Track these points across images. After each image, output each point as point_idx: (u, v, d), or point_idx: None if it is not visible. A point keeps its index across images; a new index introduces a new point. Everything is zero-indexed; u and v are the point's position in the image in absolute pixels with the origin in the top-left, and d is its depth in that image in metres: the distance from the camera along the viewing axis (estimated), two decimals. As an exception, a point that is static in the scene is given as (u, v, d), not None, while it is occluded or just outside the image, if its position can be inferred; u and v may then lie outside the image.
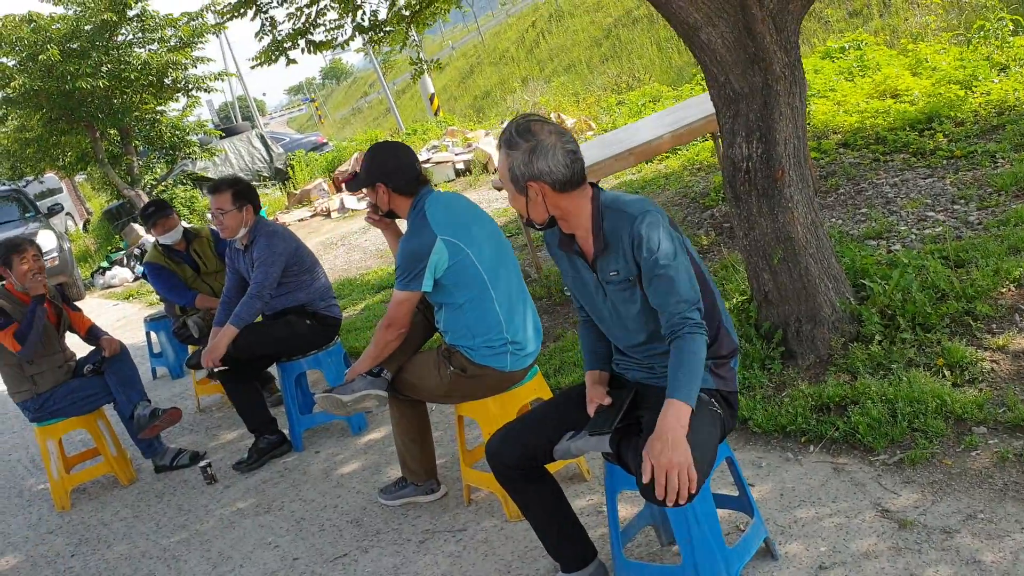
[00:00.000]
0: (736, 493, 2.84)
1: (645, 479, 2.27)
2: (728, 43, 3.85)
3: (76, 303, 5.19)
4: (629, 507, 3.23)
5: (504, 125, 2.55)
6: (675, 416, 2.29)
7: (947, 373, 3.51)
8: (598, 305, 2.66)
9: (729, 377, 2.57)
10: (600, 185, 2.67)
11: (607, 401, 2.65)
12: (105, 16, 13.24)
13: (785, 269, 3.97)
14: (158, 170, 16.92)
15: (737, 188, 4.04)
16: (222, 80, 15.84)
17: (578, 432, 2.65)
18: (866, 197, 6.03)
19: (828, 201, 6.19)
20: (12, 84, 13.00)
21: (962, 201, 5.41)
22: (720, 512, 3.02)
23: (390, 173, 3.46)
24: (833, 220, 5.78)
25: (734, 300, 4.56)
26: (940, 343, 3.70)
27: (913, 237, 5.06)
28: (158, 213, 5.49)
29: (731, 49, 3.86)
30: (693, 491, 2.26)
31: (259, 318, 4.68)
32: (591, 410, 2.66)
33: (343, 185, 3.67)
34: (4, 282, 4.75)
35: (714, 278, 5.20)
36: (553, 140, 2.45)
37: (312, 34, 6.73)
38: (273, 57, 6.69)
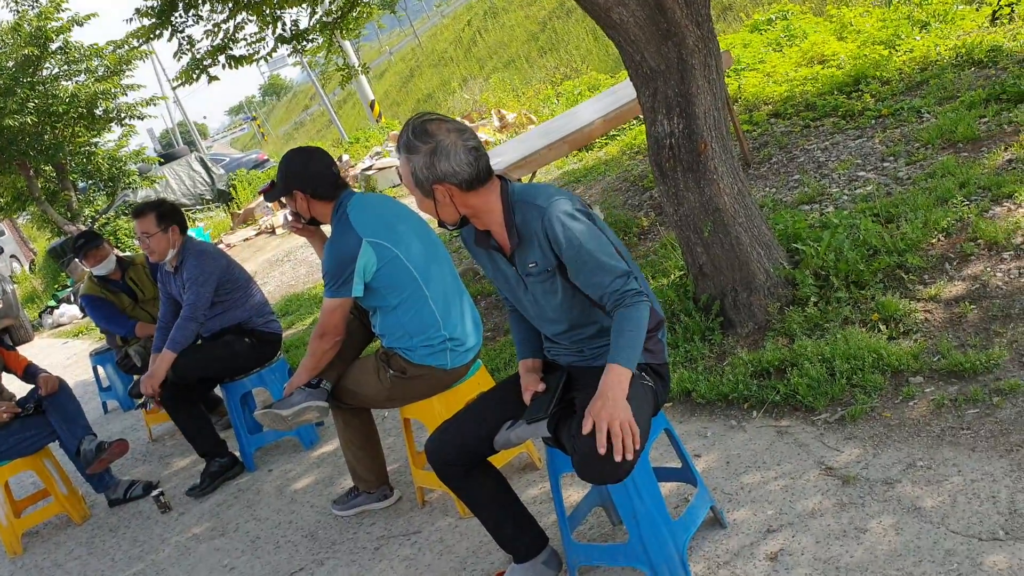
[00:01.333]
0: (679, 465, 2.84)
1: (585, 430, 2.27)
2: (640, 21, 3.85)
3: (22, 345, 5.07)
4: (579, 490, 3.23)
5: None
6: (616, 378, 2.30)
7: (882, 327, 3.55)
8: (520, 297, 2.64)
9: (657, 350, 2.57)
10: (540, 180, 2.65)
11: (541, 387, 2.64)
12: (27, 51, 12.96)
13: (716, 241, 3.99)
14: (99, 203, 16.62)
15: (663, 165, 4.05)
16: (154, 105, 15.58)
17: (516, 421, 2.64)
18: (799, 164, 6.08)
19: (762, 171, 6.24)
20: (-65, 128, 12.67)
21: (891, 158, 5.48)
22: (666, 485, 3.04)
23: (306, 179, 3.42)
24: (767, 189, 5.83)
25: (673, 276, 4.58)
26: (874, 299, 3.74)
27: (845, 198, 5.11)
28: (88, 244, 5.38)
29: (643, 27, 3.86)
30: (637, 446, 2.26)
31: (197, 340, 4.60)
32: (527, 398, 2.65)
33: (262, 196, 3.64)
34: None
35: (655, 257, 5.24)
36: (453, 139, 2.39)
37: (232, 49, 6.64)
38: (194, 76, 6.59)
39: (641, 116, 7.06)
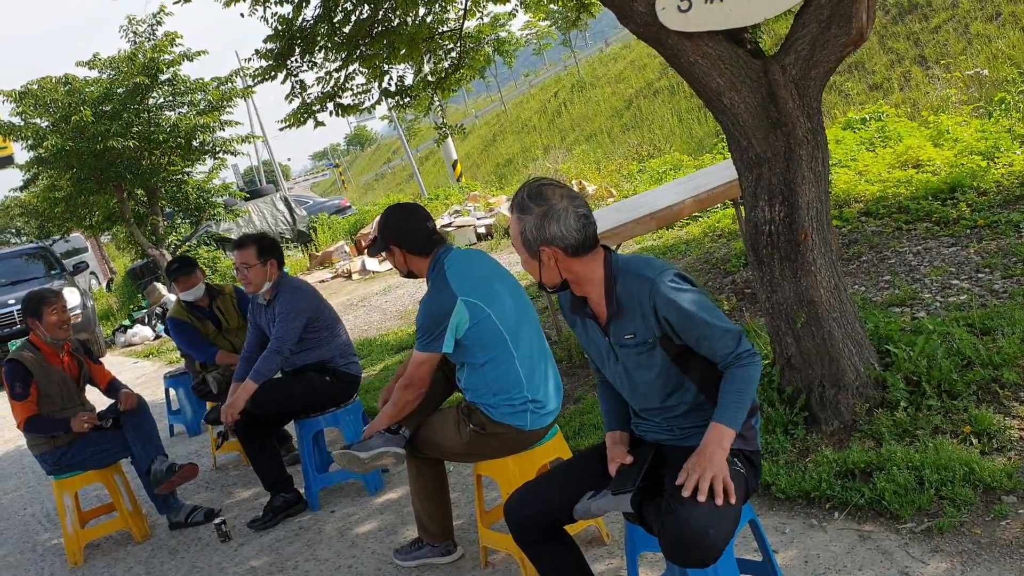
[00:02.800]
0: (760, 558, 2.77)
1: (679, 482, 2.30)
2: (751, 108, 3.88)
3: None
4: (651, 570, 3.16)
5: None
6: (717, 437, 2.32)
7: (974, 441, 3.45)
8: (610, 368, 2.64)
9: (751, 436, 2.54)
10: (618, 252, 2.67)
11: (628, 460, 2.62)
12: (138, 79, 13.59)
13: (808, 333, 3.94)
14: (183, 230, 17.15)
15: (760, 251, 4.03)
16: (249, 143, 16.14)
17: (598, 492, 2.61)
18: (889, 265, 6.00)
19: (851, 268, 6.17)
20: (44, 144, 13.28)
21: (986, 270, 5.38)
22: (744, 578, 2.96)
23: (402, 235, 3.50)
24: (856, 287, 5.76)
25: (756, 364, 4.51)
26: (967, 410, 3.64)
27: (937, 305, 5.02)
28: (181, 270, 5.55)
29: (753, 114, 3.89)
30: (732, 501, 2.26)
31: (279, 374, 4.67)
32: (612, 470, 2.63)
33: (366, 250, 3.76)
34: (30, 334, 4.79)
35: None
36: (565, 204, 2.44)
37: (340, 97, 6.87)
38: (302, 119, 6.82)
39: (728, 201, 7.10)
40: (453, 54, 7.98)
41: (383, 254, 3.62)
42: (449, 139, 23.82)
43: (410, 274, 3.59)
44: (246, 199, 20.68)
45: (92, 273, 24.10)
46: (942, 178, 7.35)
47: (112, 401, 4.91)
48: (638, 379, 2.57)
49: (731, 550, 2.44)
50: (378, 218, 3.64)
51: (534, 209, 2.45)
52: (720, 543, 2.24)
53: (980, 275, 5.34)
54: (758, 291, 4.14)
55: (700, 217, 9.31)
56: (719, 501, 2.25)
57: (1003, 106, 8.96)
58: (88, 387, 5.00)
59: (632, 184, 13.31)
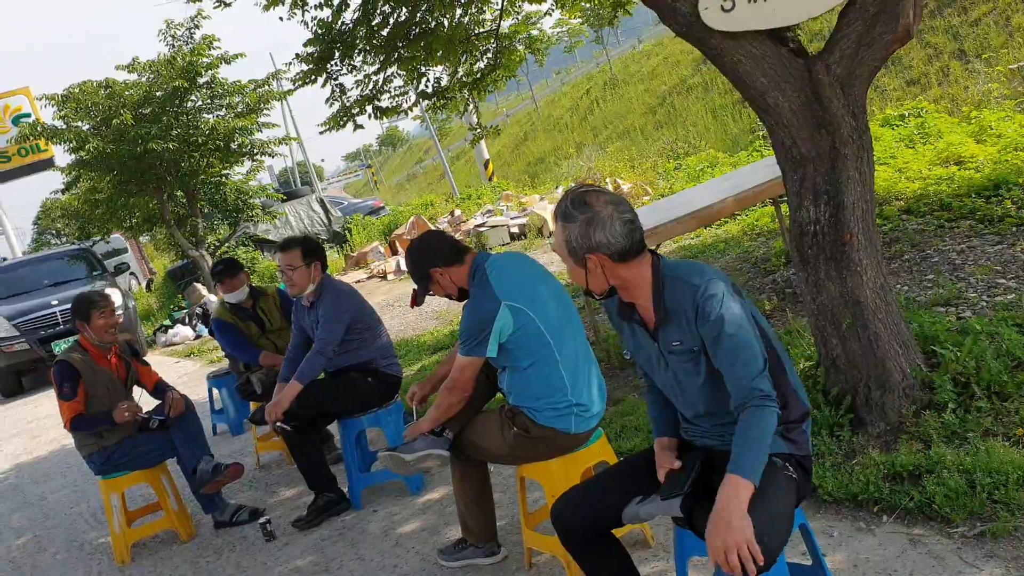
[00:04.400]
0: (809, 562, 2.75)
1: (711, 564, 2.20)
2: (795, 107, 3.85)
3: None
4: (699, 574, 3.15)
5: (559, 194, 2.57)
6: (734, 493, 2.22)
7: (1027, 443, 3.40)
8: (660, 374, 2.63)
9: (801, 441, 2.52)
10: (659, 252, 2.65)
11: (677, 465, 2.61)
12: (176, 83, 13.76)
13: (854, 334, 3.91)
14: (221, 231, 17.34)
15: (804, 251, 4.00)
16: (286, 144, 16.28)
17: (646, 497, 2.61)
18: (932, 264, 5.92)
19: (893, 267, 6.10)
20: (86, 147, 13.49)
21: (1034, 268, 5.29)
22: (793, 582, 2.93)
23: (432, 257, 3.54)
24: (899, 286, 5.69)
25: (800, 365, 4.48)
26: (1018, 412, 3.58)
27: (984, 304, 4.95)
28: (226, 272, 5.62)
29: (798, 113, 3.86)
30: (760, 563, 2.16)
31: (322, 375, 4.72)
32: (662, 476, 2.62)
33: (413, 305, 3.80)
34: (79, 335, 4.87)
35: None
36: (610, 211, 2.43)
37: (379, 100, 6.91)
38: (342, 122, 6.88)
39: (769, 199, 7.05)
40: (489, 55, 8.00)
41: (430, 288, 3.63)
42: (484, 139, 23.95)
43: (462, 292, 3.58)
44: (283, 200, 20.86)
45: (132, 274, 24.44)
46: (985, 175, 7.24)
47: (159, 402, 4.98)
48: (687, 386, 2.56)
49: (783, 557, 2.42)
50: (406, 265, 3.68)
51: (578, 217, 2.44)
52: (774, 550, 2.22)
53: (1027, 274, 5.25)
54: (803, 292, 4.11)
55: (739, 215, 9.25)
56: (749, 568, 2.15)
57: (1048, 101, 8.81)
58: (136, 388, 5.07)
59: (668, 182, 13.25)
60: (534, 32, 9.77)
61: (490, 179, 24.19)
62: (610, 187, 14.48)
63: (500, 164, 34.32)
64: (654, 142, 22.02)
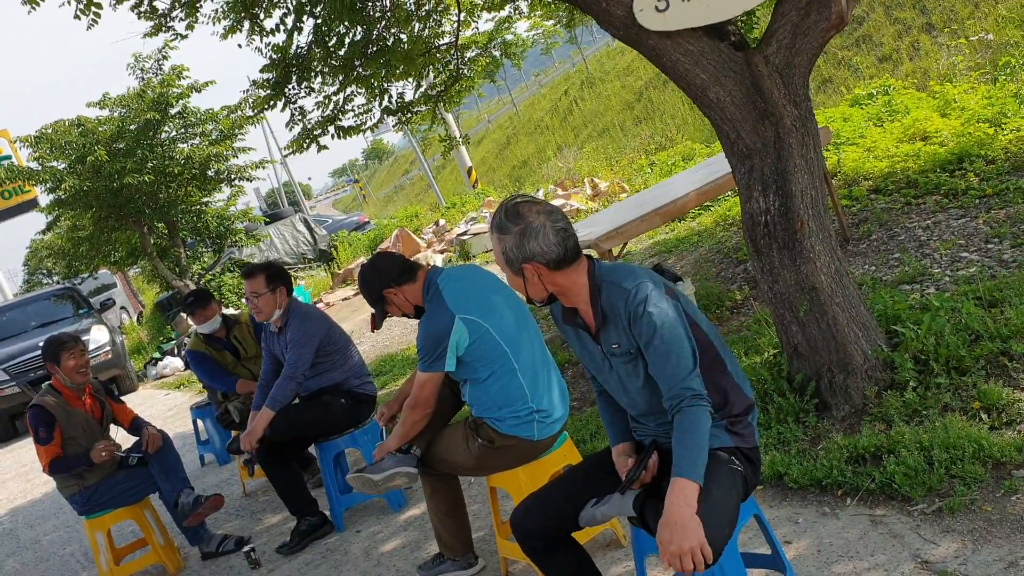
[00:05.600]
0: (768, 551, 2.79)
1: (664, 566, 2.24)
2: (736, 100, 3.90)
3: (127, 395, 5.31)
4: (663, 573, 3.18)
5: (541, 196, 2.60)
6: (681, 496, 2.27)
7: (984, 416, 3.44)
8: (606, 377, 2.67)
9: (747, 434, 2.55)
10: (628, 249, 2.68)
11: (631, 463, 2.65)
12: (148, 115, 13.78)
13: (812, 320, 3.94)
14: (206, 259, 17.35)
15: (758, 242, 4.04)
16: (263, 168, 16.30)
17: (601, 499, 2.64)
18: (899, 242, 5.97)
19: (861, 248, 6.14)
20: (63, 186, 13.51)
21: (995, 240, 5.34)
22: (754, 572, 2.97)
23: (382, 278, 3.59)
24: (866, 267, 5.73)
25: (766, 354, 4.52)
26: (976, 386, 3.62)
27: (947, 279, 4.99)
28: (196, 304, 5.64)
29: (740, 106, 3.91)
30: (711, 563, 2.22)
31: (295, 399, 4.74)
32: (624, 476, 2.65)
33: (372, 330, 3.88)
34: (51, 379, 4.89)
35: (748, 332, 5.19)
36: (542, 220, 2.47)
37: (341, 120, 6.94)
38: (304, 145, 6.90)
39: (734, 191, 7.09)
40: (451, 66, 8.03)
41: (387, 310, 3.67)
42: (463, 147, 23.95)
43: (417, 310, 3.61)
44: (266, 223, 20.88)
45: (123, 308, 24.42)
46: (949, 149, 7.28)
47: (136, 439, 5.01)
48: (630, 386, 2.59)
49: (734, 547, 2.46)
50: (360, 290, 3.72)
51: (512, 228, 2.49)
52: (718, 545, 2.26)
53: (990, 245, 5.30)
54: (759, 281, 4.15)
55: (711, 207, 9.28)
56: (699, 571, 2.21)
57: (1008, 70, 8.86)
58: (113, 426, 5.09)
59: (643, 178, 13.29)
60: (508, 36, 9.81)
61: (474, 186, 24.20)
62: (588, 187, 14.51)
63: (485, 170, 34.34)
64: (633, 138, 22.05)
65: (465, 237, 14.57)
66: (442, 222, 17.90)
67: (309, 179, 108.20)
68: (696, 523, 2.24)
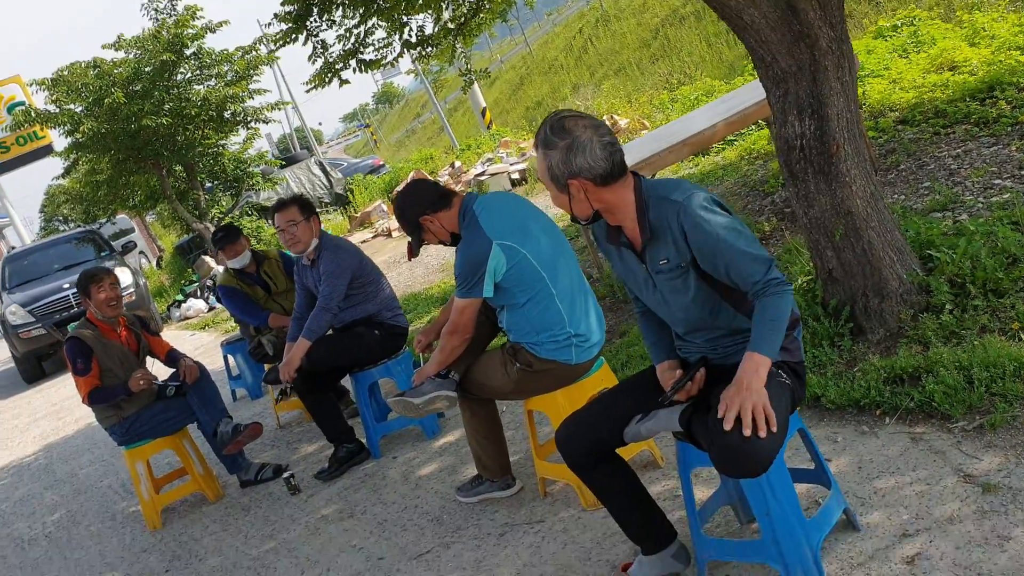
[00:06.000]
0: (812, 466, 2.82)
1: (720, 415, 2.31)
2: (772, 22, 3.84)
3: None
4: (704, 489, 3.24)
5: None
6: (753, 366, 2.33)
7: (1023, 336, 3.44)
8: (649, 295, 2.67)
9: (794, 348, 2.57)
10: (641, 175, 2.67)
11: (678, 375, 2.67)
12: (164, 57, 13.70)
13: (847, 244, 3.94)
14: (224, 203, 17.37)
15: (793, 167, 4.02)
16: (279, 109, 16.23)
17: (646, 414, 2.67)
18: (928, 171, 5.91)
19: (889, 178, 6.09)
20: (81, 128, 13.50)
21: (1029, 166, 5.28)
22: (797, 487, 3.00)
23: (419, 204, 3.58)
24: (896, 196, 5.69)
25: (799, 281, 4.52)
26: (1014, 307, 3.62)
27: (980, 206, 4.95)
28: (226, 239, 5.67)
29: (775, 28, 3.85)
30: (773, 428, 2.28)
31: (330, 331, 4.79)
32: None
33: (409, 257, 3.88)
34: (86, 312, 4.95)
35: (779, 262, 5.18)
36: (589, 135, 2.44)
37: (362, 53, 6.88)
38: (326, 79, 6.86)
39: (762, 121, 7.02)
40: (471, -1, 7.93)
41: (423, 238, 3.67)
42: (476, 87, 23.72)
43: (454, 237, 3.62)
44: (282, 167, 20.84)
45: (141, 252, 24.57)
46: (979, 78, 7.17)
47: (173, 371, 5.08)
48: (675, 304, 2.60)
49: (781, 459, 2.49)
50: (396, 218, 3.72)
51: (558, 143, 2.46)
52: (770, 453, 2.29)
53: (1023, 172, 5.24)
54: (795, 207, 4.13)
55: (735, 141, 9.20)
56: (762, 433, 2.26)
57: (1040, -3, 8.67)
58: (149, 359, 5.16)
59: (665, 114, 13.16)
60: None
61: (488, 127, 24.04)
62: (608, 124, 14.39)
63: (498, 111, 34.06)
64: (650, 76, 21.80)
65: (483, 178, 14.51)
66: (458, 164, 17.82)
67: (320, 124, 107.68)
68: (763, 391, 2.30)
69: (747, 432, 2.26)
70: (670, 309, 2.63)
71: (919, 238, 4.28)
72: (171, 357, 5.13)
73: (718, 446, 2.32)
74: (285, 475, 4.74)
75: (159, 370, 5.13)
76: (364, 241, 15.18)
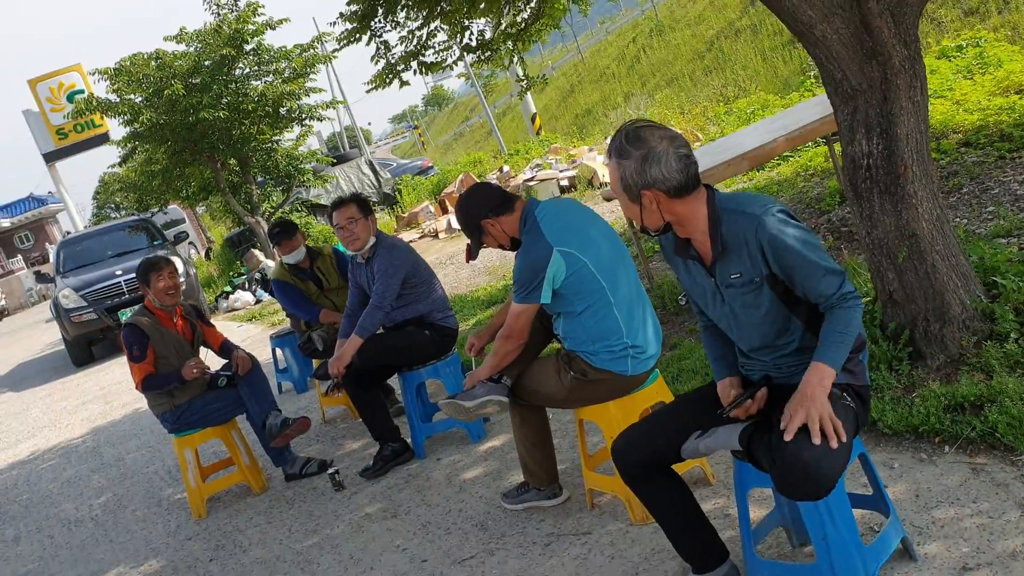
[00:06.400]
0: (870, 492, 2.77)
1: (783, 425, 2.30)
2: (844, 38, 3.79)
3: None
4: (758, 509, 3.19)
5: (612, 135, 2.55)
6: (818, 377, 2.32)
7: (1092, 370, 3.35)
8: (716, 310, 2.64)
9: (859, 371, 2.53)
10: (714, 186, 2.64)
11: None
12: (224, 51, 13.90)
13: (911, 267, 3.86)
14: (275, 198, 17.57)
15: (858, 186, 3.96)
16: (333, 108, 16.36)
17: (706, 431, 2.64)
18: (993, 195, 5.80)
19: (951, 201, 5.99)
20: (140, 119, 13.74)
21: (1099, 195, 5.15)
22: (854, 512, 2.96)
23: (482, 208, 3.57)
24: (958, 219, 5.59)
25: (857, 302, 4.45)
26: (1082, 339, 3.53)
27: (1047, 233, 4.84)
28: (283, 234, 5.73)
29: (847, 45, 3.80)
30: (842, 438, 2.27)
31: (380, 330, 4.82)
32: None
33: (468, 260, 3.89)
34: (144, 299, 5.03)
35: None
36: (665, 146, 2.41)
37: (423, 56, 6.92)
38: (387, 80, 6.91)
39: (820, 139, 6.94)
40: (532, 4, 7.94)
41: (483, 241, 3.68)
42: (528, 93, 23.81)
43: (514, 242, 3.61)
44: (332, 164, 21.03)
45: (191, 243, 24.95)
46: (1048, 102, 7.02)
47: (225, 361, 5.14)
48: (745, 319, 2.57)
49: (842, 483, 2.45)
50: (457, 219, 3.72)
51: (633, 153, 2.44)
52: (833, 476, 2.25)
53: (1092, 201, 5.12)
54: (858, 227, 4.07)
55: (791, 157, 9.11)
56: (832, 443, 2.25)
57: (1113, 22, 8.46)
58: (203, 349, 5.23)
59: (719, 126, 13.07)
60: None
61: (538, 133, 24.04)
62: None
63: (547, 118, 34.02)
64: (703, 88, 21.64)
65: (532, 183, 14.51)
66: (506, 168, 17.85)
67: (369, 124, 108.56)
68: (827, 401, 2.30)
69: (816, 440, 2.25)
70: (739, 324, 2.60)
71: (983, 263, 4.20)
72: (225, 348, 5.19)
73: (780, 466, 2.29)
74: (330, 471, 4.77)
75: (212, 360, 5.19)
76: (411, 241, 15.26)
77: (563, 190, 14.22)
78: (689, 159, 2.45)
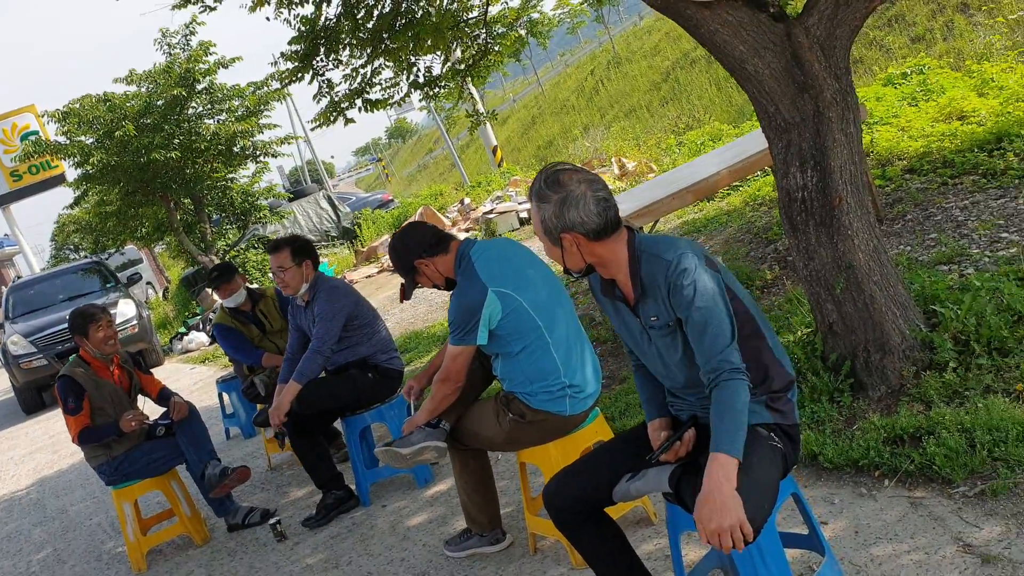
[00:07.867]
0: (806, 531, 2.73)
1: (702, 543, 2.20)
2: (775, 73, 3.80)
3: (154, 368, 5.31)
4: (696, 549, 3.13)
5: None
6: (721, 472, 2.22)
7: (1028, 398, 3.35)
8: (644, 350, 2.61)
9: (787, 410, 2.49)
10: (658, 226, 2.61)
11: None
12: (176, 91, 13.78)
13: (849, 298, 3.86)
14: (231, 235, 17.39)
15: (794, 218, 3.96)
16: (288, 144, 16.29)
17: (636, 474, 2.59)
18: (935, 222, 5.85)
19: (896, 228, 6.03)
20: (91, 160, 13.57)
21: (1037, 220, 5.21)
22: (791, 552, 2.91)
23: (416, 248, 3.53)
24: (901, 247, 5.62)
25: (799, 333, 4.44)
26: (1019, 367, 3.53)
27: (986, 260, 4.88)
28: (221, 278, 5.62)
29: (779, 79, 3.81)
30: (750, 540, 2.17)
31: (322, 373, 4.72)
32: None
33: (401, 299, 3.83)
34: (80, 350, 4.90)
35: (779, 312, 5.11)
36: (583, 189, 2.41)
37: (368, 93, 6.88)
38: (331, 118, 6.86)
39: (768, 168, 6.98)
40: (480, 40, 7.95)
41: (417, 280, 3.63)
42: (488, 125, 23.85)
43: (448, 282, 3.57)
44: (290, 200, 20.89)
45: (148, 283, 24.61)
46: (988, 128, 7.12)
47: (164, 409, 5.01)
48: (668, 360, 2.54)
49: (772, 526, 2.40)
50: (391, 259, 3.68)
51: (552, 197, 2.42)
52: (758, 521, 2.20)
53: (1030, 226, 5.17)
54: (795, 259, 4.07)
55: (740, 187, 9.16)
56: (739, 547, 2.17)
57: (1049, 49, 8.65)
58: (140, 397, 5.10)
59: (671, 158, 13.16)
60: (535, 15, 9.69)
61: (499, 165, 24.09)
62: (615, 166, 14.39)
63: (510, 150, 34.19)
64: (660, 118, 21.87)
65: (491, 216, 14.50)
66: (467, 200, 17.84)
67: (332, 157, 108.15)
68: (736, 500, 2.19)
69: (726, 552, 2.17)
70: (664, 364, 2.57)
71: (924, 292, 4.21)
72: (162, 395, 5.06)
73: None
74: (272, 521, 4.65)
75: (151, 408, 5.06)
76: (369, 276, 15.15)
77: (522, 222, 14.22)
78: (608, 202, 2.43)
